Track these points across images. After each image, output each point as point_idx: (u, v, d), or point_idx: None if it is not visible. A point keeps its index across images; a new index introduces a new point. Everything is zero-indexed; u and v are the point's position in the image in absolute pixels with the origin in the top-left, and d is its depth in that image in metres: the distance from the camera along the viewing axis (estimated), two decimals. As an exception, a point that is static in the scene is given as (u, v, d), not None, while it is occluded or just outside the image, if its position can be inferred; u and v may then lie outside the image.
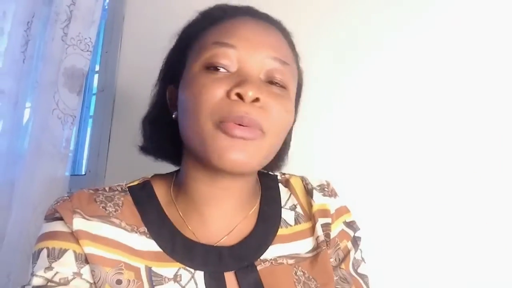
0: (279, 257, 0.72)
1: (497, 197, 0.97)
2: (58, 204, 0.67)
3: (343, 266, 0.77)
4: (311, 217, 0.78)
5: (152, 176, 0.77)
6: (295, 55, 0.75)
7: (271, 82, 0.67)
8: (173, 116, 0.72)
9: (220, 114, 0.62)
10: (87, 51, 1.62)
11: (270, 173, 0.83)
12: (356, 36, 1.19)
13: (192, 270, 0.66)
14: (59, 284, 0.62)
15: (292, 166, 0.83)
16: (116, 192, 0.72)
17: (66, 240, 0.64)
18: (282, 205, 0.79)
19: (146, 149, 0.79)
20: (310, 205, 0.79)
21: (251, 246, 0.71)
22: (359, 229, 0.82)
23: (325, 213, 0.79)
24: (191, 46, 0.71)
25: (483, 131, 1.01)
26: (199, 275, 0.66)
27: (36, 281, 0.62)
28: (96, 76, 1.86)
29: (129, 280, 0.64)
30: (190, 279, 0.65)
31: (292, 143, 0.82)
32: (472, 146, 1.01)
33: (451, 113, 1.04)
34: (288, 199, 0.80)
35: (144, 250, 0.67)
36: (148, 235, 0.68)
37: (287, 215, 0.78)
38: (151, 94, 0.79)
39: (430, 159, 1.05)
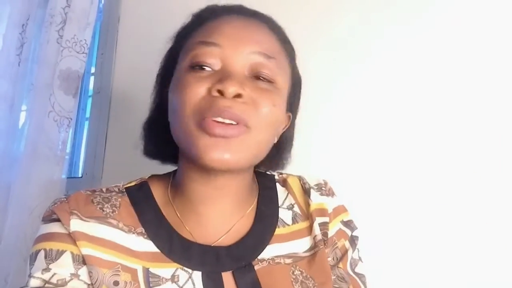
0: (277, 256, 0.72)
1: (497, 197, 0.97)
2: (55, 205, 0.67)
3: (340, 265, 0.77)
4: (308, 217, 0.78)
5: (150, 177, 0.77)
6: (286, 49, 0.74)
7: (257, 77, 0.67)
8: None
9: (201, 112, 0.62)
10: (83, 53, 1.62)
11: (268, 172, 0.83)
12: (354, 35, 1.19)
13: (190, 271, 0.66)
14: (56, 285, 0.62)
15: (290, 166, 0.83)
16: (113, 193, 0.71)
17: (63, 241, 0.64)
18: (279, 205, 0.79)
19: (150, 153, 0.79)
20: (307, 205, 0.79)
21: (249, 246, 0.71)
22: (357, 228, 0.82)
23: (322, 212, 0.78)
24: (181, 48, 0.72)
25: (483, 131, 1.01)
26: (197, 275, 0.66)
27: (34, 282, 0.62)
28: (92, 78, 1.85)
29: (126, 282, 0.64)
30: (188, 280, 0.65)
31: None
32: (472, 146, 1.01)
33: (450, 113, 1.04)
34: (285, 199, 0.80)
35: (142, 250, 0.67)
36: (145, 236, 0.68)
37: (284, 214, 0.78)
38: (150, 98, 0.79)
39: (429, 159, 1.05)
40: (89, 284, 0.63)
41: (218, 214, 0.71)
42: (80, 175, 1.81)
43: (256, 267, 0.69)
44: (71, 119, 1.59)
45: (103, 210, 0.68)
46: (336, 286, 0.74)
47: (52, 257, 0.63)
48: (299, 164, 0.84)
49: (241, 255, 0.70)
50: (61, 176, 1.57)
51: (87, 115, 1.85)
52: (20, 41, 1.73)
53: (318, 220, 0.77)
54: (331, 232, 0.78)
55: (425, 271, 1.01)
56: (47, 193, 1.49)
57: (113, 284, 0.63)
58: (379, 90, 1.14)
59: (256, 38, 0.68)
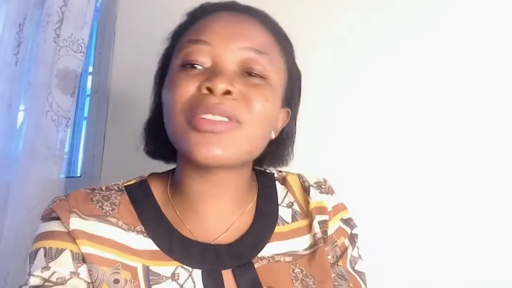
0: (277, 254, 0.72)
1: (497, 197, 0.97)
2: (55, 203, 0.67)
3: (340, 263, 0.77)
4: (308, 215, 0.78)
5: (149, 175, 0.77)
6: (281, 44, 0.73)
7: (249, 73, 0.66)
8: None
9: (191, 109, 0.63)
10: (80, 52, 1.62)
11: (267, 171, 0.83)
12: (354, 34, 1.19)
13: (190, 269, 0.66)
14: (56, 283, 0.61)
15: (290, 164, 0.83)
16: (113, 191, 0.71)
17: (63, 239, 0.64)
18: (279, 203, 0.78)
19: (152, 153, 0.79)
20: (307, 203, 0.79)
21: (248, 244, 0.71)
22: (356, 226, 0.82)
23: (322, 210, 0.78)
24: (174, 47, 0.72)
25: (483, 131, 1.01)
26: (197, 273, 0.66)
27: (33, 281, 0.62)
28: (89, 77, 1.84)
29: (126, 280, 0.64)
30: (188, 278, 0.65)
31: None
32: (472, 146, 1.01)
33: (450, 112, 1.04)
34: (285, 197, 0.80)
35: (141, 249, 0.66)
36: (145, 234, 0.68)
37: (284, 212, 0.78)
38: (150, 98, 0.79)
39: (429, 158, 1.05)
40: (89, 283, 0.63)
41: (217, 212, 0.71)
42: (78, 175, 1.81)
43: (256, 265, 0.69)
44: (69, 118, 1.59)
45: (103, 208, 0.68)
46: (336, 284, 0.74)
47: (51, 255, 0.63)
48: (299, 163, 0.84)
49: (241, 253, 0.70)
50: (60, 175, 1.58)
51: (85, 114, 1.85)
52: (17, 41, 1.73)
53: (318, 218, 0.77)
54: (330, 230, 0.78)
55: (425, 269, 1.01)
56: (45, 192, 1.49)
57: (113, 282, 0.63)
58: (379, 89, 1.14)
59: (247, 34, 0.68)
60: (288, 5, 1.26)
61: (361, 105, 1.15)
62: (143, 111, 0.79)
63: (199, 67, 0.66)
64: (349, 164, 1.14)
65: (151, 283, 0.64)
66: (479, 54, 1.03)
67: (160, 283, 0.64)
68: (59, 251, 0.63)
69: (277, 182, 0.82)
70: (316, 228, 0.76)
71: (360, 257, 0.81)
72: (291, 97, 0.76)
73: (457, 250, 0.99)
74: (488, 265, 0.96)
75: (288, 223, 0.77)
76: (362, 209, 0.92)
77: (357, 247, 0.81)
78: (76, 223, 0.65)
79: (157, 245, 0.67)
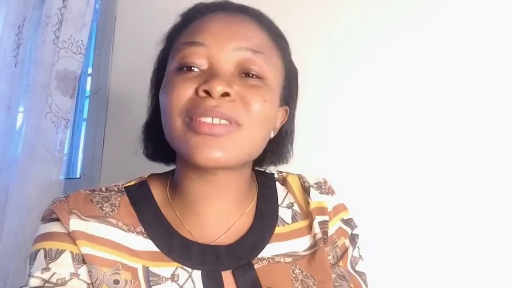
0: (277, 255, 0.71)
1: (497, 197, 0.97)
2: (55, 205, 0.67)
3: (341, 263, 0.77)
4: (308, 215, 0.78)
5: (149, 176, 0.77)
6: (277, 42, 0.73)
7: (246, 74, 0.66)
8: None
9: (189, 112, 0.63)
10: (79, 53, 1.62)
11: (267, 171, 0.83)
12: (353, 34, 1.19)
13: (190, 270, 0.66)
14: (56, 284, 0.61)
15: (289, 165, 0.83)
16: (113, 192, 0.71)
17: (63, 240, 0.64)
18: (279, 203, 0.78)
19: (151, 156, 0.79)
20: (307, 203, 0.79)
21: (248, 245, 0.71)
22: (357, 226, 0.82)
23: (322, 210, 0.78)
24: (170, 49, 0.72)
25: (483, 131, 1.00)
26: (197, 274, 0.66)
27: (33, 282, 0.62)
28: (89, 79, 1.85)
29: (126, 281, 0.64)
30: (188, 279, 0.65)
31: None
32: (472, 146, 1.01)
33: (450, 112, 1.04)
34: (285, 197, 0.80)
35: (141, 250, 0.66)
36: (145, 235, 0.68)
37: (284, 213, 0.77)
38: (147, 101, 0.79)
39: (429, 158, 1.05)
40: (89, 283, 0.63)
41: (217, 213, 0.71)
42: (78, 176, 1.82)
43: (256, 266, 0.69)
44: (69, 120, 1.60)
45: (103, 210, 0.68)
46: (336, 284, 0.74)
47: (51, 256, 0.63)
48: (298, 163, 0.84)
49: (241, 254, 0.69)
50: (59, 177, 1.58)
51: (85, 115, 1.85)
52: (17, 42, 1.73)
53: (318, 218, 0.77)
54: (331, 231, 0.78)
55: (425, 270, 1.01)
56: (45, 194, 1.50)
57: (114, 283, 0.63)
58: (378, 89, 1.14)
59: (242, 34, 0.67)
60: (287, 5, 1.26)
61: (361, 105, 1.15)
62: (143, 112, 0.79)
63: (195, 69, 0.65)
64: (349, 164, 1.14)
65: (151, 284, 0.64)
66: (479, 54, 1.03)
67: (160, 284, 0.64)
68: (59, 252, 0.63)
69: (277, 183, 0.82)
70: (316, 228, 0.76)
71: (360, 257, 0.81)
72: (289, 95, 0.76)
73: (457, 250, 0.99)
74: (488, 265, 0.96)
75: (288, 223, 0.76)
76: (362, 209, 0.92)
77: (358, 247, 0.81)
78: (76, 224, 0.65)
79: (157, 246, 0.67)
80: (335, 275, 0.75)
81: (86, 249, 0.64)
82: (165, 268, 0.66)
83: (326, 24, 1.24)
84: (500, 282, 0.95)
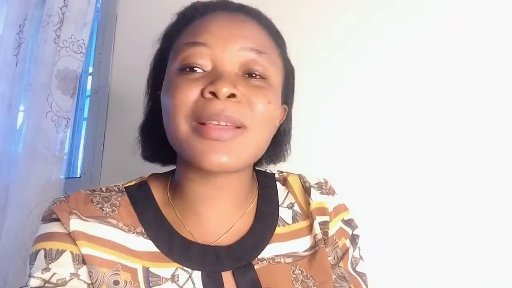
0: (277, 256, 0.71)
1: (497, 197, 0.97)
2: (55, 205, 0.67)
3: (341, 264, 0.77)
4: (308, 215, 0.78)
5: (149, 176, 0.77)
6: (277, 41, 0.73)
7: (250, 74, 0.66)
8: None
9: (196, 115, 0.62)
10: (80, 53, 1.62)
11: (268, 171, 0.83)
12: (353, 34, 1.19)
13: (190, 270, 0.66)
14: (56, 285, 0.61)
15: (290, 165, 0.83)
16: (113, 193, 0.71)
17: (63, 241, 0.64)
18: (279, 204, 0.78)
19: (148, 157, 0.79)
20: (307, 203, 0.79)
21: (249, 245, 0.71)
22: (357, 227, 0.82)
23: (323, 211, 0.78)
24: (169, 49, 0.71)
25: (483, 131, 1.00)
26: (197, 275, 0.66)
27: (34, 282, 0.62)
28: (89, 78, 1.85)
29: (126, 281, 0.63)
30: (188, 279, 0.65)
31: (290, 143, 0.82)
32: (472, 146, 1.01)
33: (450, 112, 1.04)
34: (285, 198, 0.80)
35: (142, 250, 0.66)
36: (145, 236, 0.68)
37: (284, 213, 0.77)
38: (143, 101, 0.79)
39: (429, 158, 1.05)
40: (89, 284, 0.63)
41: (217, 214, 0.71)
42: (78, 175, 1.82)
43: (256, 267, 0.69)
44: (69, 119, 1.59)
45: (103, 210, 0.68)
46: (337, 285, 0.74)
47: (52, 256, 0.63)
48: (299, 163, 0.84)
49: (241, 254, 0.69)
50: (60, 176, 1.57)
51: (85, 115, 1.85)
52: (18, 41, 1.73)
53: (319, 219, 0.77)
54: (331, 231, 0.78)
55: (426, 270, 1.01)
56: (45, 193, 1.49)
57: (113, 284, 0.63)
58: (378, 89, 1.14)
59: (245, 34, 0.67)
60: (287, 6, 1.26)
61: (361, 105, 1.15)
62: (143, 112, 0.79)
63: (199, 70, 0.65)
64: (349, 164, 1.14)
65: (151, 284, 0.64)
66: (479, 54, 1.03)
67: (160, 284, 0.64)
68: (59, 253, 0.63)
69: (277, 183, 0.82)
70: (317, 229, 0.76)
71: (361, 258, 0.80)
72: (287, 93, 0.76)
73: (457, 250, 0.99)
74: (488, 265, 0.96)
75: (288, 224, 0.76)
76: (363, 209, 0.92)
77: (359, 247, 0.81)
78: (76, 224, 0.65)
79: (157, 247, 0.67)
80: (335, 276, 0.75)
81: (86, 249, 0.63)
82: (165, 269, 0.66)
83: (326, 24, 1.24)
84: (500, 282, 0.95)
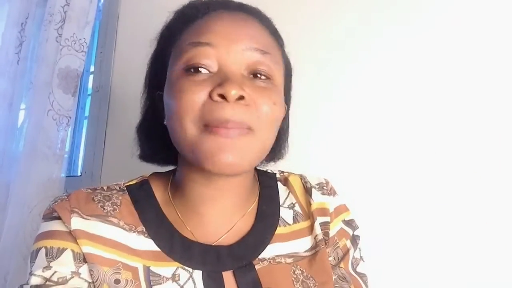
0: (277, 256, 0.71)
1: (497, 197, 0.97)
2: (56, 203, 0.67)
3: (342, 265, 0.77)
4: (309, 216, 0.78)
5: (150, 175, 0.77)
6: (278, 41, 0.73)
7: (255, 75, 0.66)
8: (164, 122, 0.69)
9: (205, 118, 0.61)
10: (82, 51, 1.62)
11: (269, 171, 0.83)
12: (353, 34, 1.19)
13: (190, 270, 0.66)
14: (57, 283, 0.61)
15: (290, 165, 0.83)
16: (114, 191, 0.71)
17: (64, 239, 0.64)
18: (280, 204, 0.78)
19: (147, 157, 0.78)
20: (308, 204, 0.79)
21: (250, 245, 0.71)
22: (358, 227, 0.82)
23: (324, 211, 0.78)
24: (170, 49, 0.70)
25: (483, 131, 1.00)
26: (197, 274, 0.66)
27: (35, 280, 0.62)
28: (91, 77, 1.85)
29: (127, 280, 0.63)
30: (188, 279, 0.65)
31: (289, 143, 0.82)
32: (472, 146, 1.01)
33: (450, 112, 1.04)
34: (286, 198, 0.80)
35: (142, 249, 0.66)
36: (146, 235, 0.68)
37: (285, 213, 0.77)
38: (141, 101, 0.78)
39: (429, 158, 1.05)
40: (90, 282, 0.63)
41: (219, 214, 0.71)
42: (79, 174, 1.82)
43: (256, 267, 0.69)
44: (70, 117, 1.60)
45: (104, 208, 0.68)
46: (337, 285, 0.74)
47: (53, 255, 0.63)
48: (298, 164, 0.84)
49: (242, 254, 0.69)
50: (60, 174, 1.58)
51: (86, 113, 1.86)
52: (19, 40, 1.73)
53: (319, 219, 0.77)
54: (332, 232, 0.78)
55: (426, 270, 1.01)
56: (46, 191, 1.50)
57: (114, 282, 0.63)
58: (378, 89, 1.14)
59: (249, 34, 0.67)
60: (287, 5, 1.26)
61: (361, 106, 1.15)
62: (144, 112, 0.79)
63: (204, 71, 0.64)
64: (349, 164, 1.14)
65: (151, 283, 0.64)
66: (479, 54, 1.03)
67: (161, 283, 0.64)
68: (60, 251, 0.63)
69: (279, 183, 0.82)
70: (318, 229, 0.76)
71: (362, 258, 0.80)
72: (287, 92, 0.76)
73: (457, 251, 0.99)
74: (488, 265, 0.96)
75: (289, 224, 0.76)
76: (363, 210, 0.92)
77: (359, 248, 0.81)
78: (77, 223, 0.64)
79: (158, 246, 0.67)
80: (335, 276, 0.75)
81: (87, 248, 0.63)
82: (166, 268, 0.66)
83: (326, 24, 1.23)
84: (500, 282, 0.95)
